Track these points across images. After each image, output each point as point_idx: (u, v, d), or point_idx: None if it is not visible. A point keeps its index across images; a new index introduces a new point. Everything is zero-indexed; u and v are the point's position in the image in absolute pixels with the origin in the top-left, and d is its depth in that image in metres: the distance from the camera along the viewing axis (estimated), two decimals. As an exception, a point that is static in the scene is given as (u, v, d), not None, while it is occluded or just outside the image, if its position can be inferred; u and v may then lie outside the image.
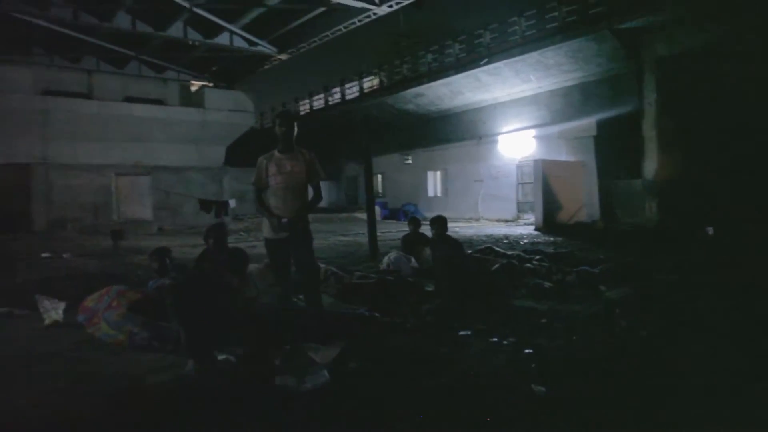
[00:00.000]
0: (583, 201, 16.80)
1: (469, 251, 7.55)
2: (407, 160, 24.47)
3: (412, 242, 7.63)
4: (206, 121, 25.89)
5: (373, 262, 8.55)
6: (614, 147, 16.27)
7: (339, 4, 17.39)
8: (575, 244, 11.16)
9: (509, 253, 7.45)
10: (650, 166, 14.59)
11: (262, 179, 4.24)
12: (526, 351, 3.88)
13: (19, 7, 16.57)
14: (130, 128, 23.06)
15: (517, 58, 16.66)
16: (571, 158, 17.39)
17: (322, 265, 6.39)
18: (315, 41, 21.18)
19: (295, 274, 4.33)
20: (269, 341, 3.71)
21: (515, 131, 19.30)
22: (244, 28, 20.30)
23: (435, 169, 23.55)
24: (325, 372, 3.40)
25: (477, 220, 20.76)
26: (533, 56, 16.29)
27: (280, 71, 26.97)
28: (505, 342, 4.13)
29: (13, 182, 18.61)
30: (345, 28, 19.47)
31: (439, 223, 6.24)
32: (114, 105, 23.22)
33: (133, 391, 3.10)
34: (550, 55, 16.03)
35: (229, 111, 26.54)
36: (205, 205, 19.56)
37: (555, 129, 17.98)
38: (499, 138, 19.88)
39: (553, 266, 6.62)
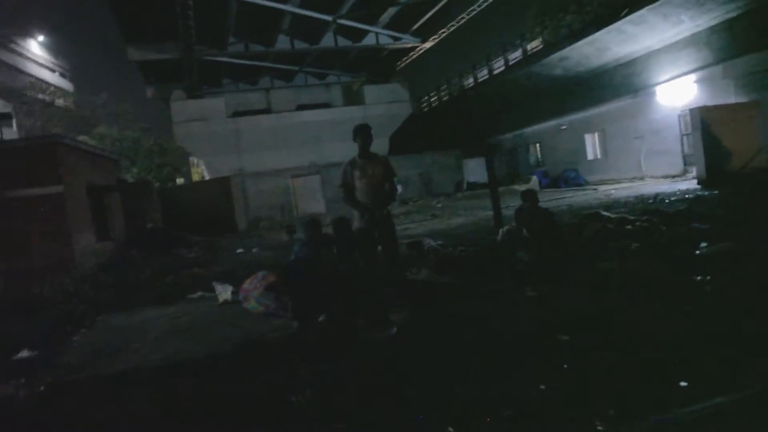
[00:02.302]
0: (761, 145, 14.98)
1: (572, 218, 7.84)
2: (563, 125, 23.81)
3: (525, 216, 8.17)
4: (367, 116, 28.07)
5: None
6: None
7: (466, -14, 17.85)
8: (733, 198, 10.43)
9: (613, 216, 7.57)
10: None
11: (348, 182, 5.29)
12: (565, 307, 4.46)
13: (204, 51, 20.17)
14: (303, 133, 26.29)
15: (661, 2, 15.39)
16: (741, 98, 15.55)
17: (431, 242, 7.39)
18: (453, 25, 21.82)
19: (383, 255, 5.40)
20: (355, 307, 4.87)
21: (675, 78, 17.75)
22: (385, 27, 21.80)
23: (592, 131, 22.61)
24: (394, 327, 4.46)
25: (641, 178, 19.58)
26: (680, -5, 14.92)
27: (429, 57, 28.12)
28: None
29: (219, 192, 22.67)
30: (479, 6, 19.81)
31: (529, 196, 6.78)
32: (287, 115, 26.68)
33: (255, 342, 4.51)
34: (700, -11, 14.56)
35: (388, 103, 28.51)
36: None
37: (719, 69, 16.20)
38: (657, 89, 18.44)
39: (653, 227, 6.68)
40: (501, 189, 22.95)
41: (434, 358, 3.68)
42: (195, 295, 7.32)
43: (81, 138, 26.27)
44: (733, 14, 15.27)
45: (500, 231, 8.16)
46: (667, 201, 11.48)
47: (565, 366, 3.25)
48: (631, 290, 4.75)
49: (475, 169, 28.14)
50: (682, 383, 2.85)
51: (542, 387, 3.00)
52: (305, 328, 4.68)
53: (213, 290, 6.98)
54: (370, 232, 5.32)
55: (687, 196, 12.02)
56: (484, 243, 8.18)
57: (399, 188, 24.83)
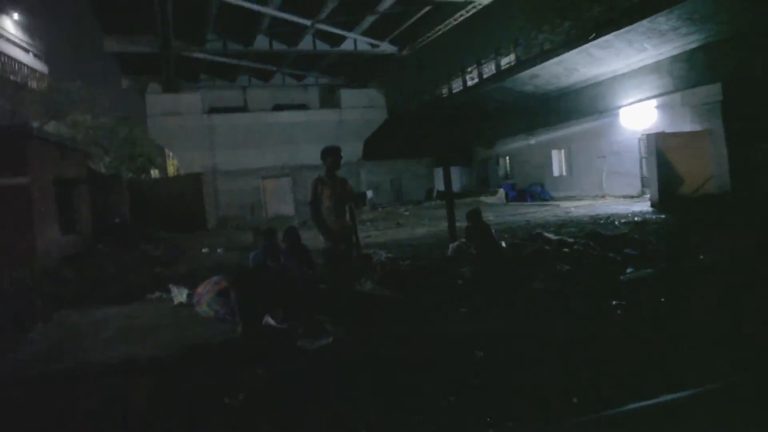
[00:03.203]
0: (711, 172, 15.77)
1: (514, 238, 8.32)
2: (532, 140, 24.51)
3: (471, 233, 8.63)
4: (343, 120, 28.48)
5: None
6: (746, 111, 15.00)
7: (444, 1, 18.33)
8: (677, 223, 11.11)
9: (553, 237, 8.08)
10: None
11: (318, 199, 5.35)
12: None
13: (182, 47, 20.26)
14: (278, 133, 26.48)
15: (626, 29, 16.08)
16: (696, 126, 16.34)
17: (382, 254, 7.78)
18: (430, 35, 22.28)
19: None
20: (294, 315, 5.22)
21: (637, 102, 18.51)
22: (364, 34, 22.15)
23: (559, 148, 23.34)
24: (330, 337, 4.83)
25: (602, 197, 20.33)
26: (643, 24, 15.60)
27: (406, 65, 28.48)
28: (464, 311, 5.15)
29: (190, 189, 22.73)
30: (455, 20, 20.30)
31: (473, 215, 7.23)
32: (263, 114, 26.83)
33: (200, 345, 4.83)
34: (661, 20, 15.26)
35: (363, 108, 28.88)
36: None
37: (678, 97, 16.98)
38: (620, 111, 19.20)
39: (588, 250, 7.18)
40: (468, 200, 23.72)
41: (350, 372, 4.04)
42: (153, 296, 7.56)
43: (53, 123, 26.12)
44: (694, 45, 16.05)
45: (450, 246, 8.63)
46: (616, 223, 12.09)
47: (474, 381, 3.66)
48: (550, 310, 5.21)
49: (446, 178, 28.66)
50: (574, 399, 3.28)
51: (451, 399, 3.41)
52: (248, 333, 5.02)
53: (170, 291, 7.24)
54: (333, 254, 5.46)
55: (636, 219, 12.65)
56: (435, 256, 8.60)
57: (369, 193, 25.24)
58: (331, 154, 5.45)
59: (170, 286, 7.10)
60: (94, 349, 5.12)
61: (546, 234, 8.40)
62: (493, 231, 7.81)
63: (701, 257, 6.89)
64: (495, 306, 5.55)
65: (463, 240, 8.62)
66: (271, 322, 5.21)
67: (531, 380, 3.60)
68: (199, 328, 5.57)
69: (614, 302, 5.34)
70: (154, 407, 3.66)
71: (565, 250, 7.30)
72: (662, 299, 5.28)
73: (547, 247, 7.24)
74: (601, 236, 8.29)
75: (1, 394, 4.10)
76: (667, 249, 7.35)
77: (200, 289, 6.35)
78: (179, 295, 6.85)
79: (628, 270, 6.53)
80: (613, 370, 3.67)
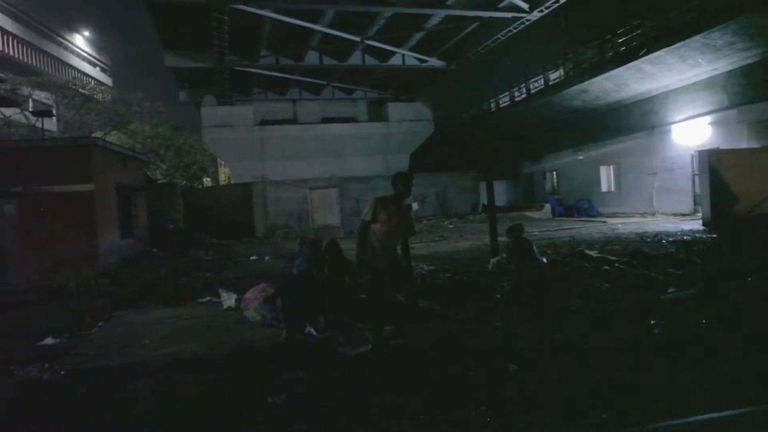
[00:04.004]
0: (769, 191, 15.18)
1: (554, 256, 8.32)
2: (580, 155, 24.16)
3: (512, 248, 8.70)
4: (390, 132, 28.87)
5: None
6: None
7: (491, 17, 18.46)
8: (730, 242, 10.82)
9: (594, 255, 8.04)
10: None
11: (372, 219, 4.92)
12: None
13: (236, 62, 21.14)
14: (326, 145, 27.11)
15: (678, 44, 15.79)
16: (753, 144, 15.81)
17: (423, 267, 7.96)
18: (478, 51, 22.40)
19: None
20: (336, 323, 5.46)
21: (690, 119, 18.07)
22: (412, 49, 22.48)
23: (608, 164, 22.91)
24: (369, 345, 5.04)
25: (652, 214, 19.84)
26: (696, 40, 15.30)
27: (453, 80, 28.72)
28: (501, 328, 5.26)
29: (241, 197, 23.56)
30: (503, 36, 20.37)
31: (513, 231, 7.31)
32: (313, 127, 27.54)
33: (246, 348, 5.13)
34: (716, 36, 14.92)
35: (411, 121, 29.20)
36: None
37: (734, 113, 16.49)
38: (673, 127, 18.76)
39: (628, 269, 7.14)
40: (513, 214, 23.57)
41: (386, 379, 4.22)
42: (204, 299, 8.00)
43: (114, 133, 27.66)
44: (751, 60, 15.59)
45: (491, 261, 8.73)
46: (664, 241, 11.84)
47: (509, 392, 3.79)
48: (586, 329, 5.25)
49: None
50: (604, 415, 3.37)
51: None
52: (292, 339, 5.29)
53: (219, 296, 7.64)
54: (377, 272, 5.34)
55: (685, 237, 12.35)
56: (476, 270, 8.71)
57: (415, 206, 25.40)
58: (402, 181, 4.98)
59: (220, 290, 7.50)
60: (150, 346, 5.51)
61: (587, 251, 8.37)
62: (534, 247, 7.86)
63: (748, 279, 6.74)
64: (529, 321, 5.63)
65: (504, 255, 8.70)
66: (313, 331, 5.48)
67: (561, 394, 3.70)
68: (246, 331, 5.89)
69: (652, 322, 5.34)
70: (203, 402, 3.96)
71: (606, 268, 7.28)
72: (702, 321, 5.24)
73: (587, 265, 7.24)
74: (645, 255, 8.20)
75: (67, 385, 4.51)
76: (712, 270, 7.21)
77: (248, 295, 6.70)
78: (228, 299, 7.22)
79: (670, 290, 6.47)
80: (637, 389, 3.72)
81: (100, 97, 29.85)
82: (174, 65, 22.85)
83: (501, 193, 29.79)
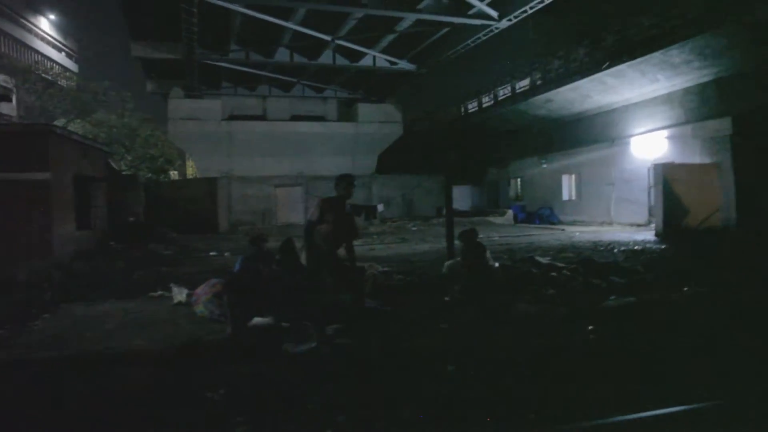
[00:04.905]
0: (718, 205, 15.83)
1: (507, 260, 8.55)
2: (543, 163, 24.70)
3: (465, 252, 8.89)
4: (359, 133, 28.94)
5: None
6: (755, 146, 15.09)
7: (462, 24, 18.73)
8: (677, 253, 11.26)
9: (543, 261, 8.30)
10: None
11: (319, 221, 5.09)
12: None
13: (206, 55, 20.91)
14: (295, 143, 27.01)
15: (639, 60, 16.31)
16: (706, 159, 16.45)
17: (377, 268, 8.06)
18: (449, 56, 22.65)
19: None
20: (283, 319, 5.52)
21: (648, 132, 18.68)
22: (383, 51, 22.59)
23: (570, 173, 23.48)
24: (313, 342, 5.11)
25: (610, 224, 20.43)
26: (656, 56, 15.84)
27: (423, 83, 28.96)
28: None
29: (206, 192, 23.30)
30: (472, 42, 20.66)
31: (465, 235, 7.49)
32: (282, 124, 27.41)
33: (191, 343, 5.14)
34: (674, 53, 15.48)
35: (380, 123, 29.33)
36: (356, 209, 21.98)
37: (689, 129, 17.12)
38: (632, 140, 19.36)
39: (575, 276, 7.39)
40: (476, 219, 23.93)
41: (326, 377, 4.31)
42: (156, 293, 7.94)
43: (78, 121, 26.95)
44: (706, 79, 16.22)
45: (445, 264, 8.87)
46: (615, 250, 12.24)
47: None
48: (528, 331, 5.44)
49: (457, 196, 28.84)
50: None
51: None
52: (236, 334, 5.33)
53: (171, 290, 7.59)
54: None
55: (636, 247, 12.78)
56: (429, 273, 8.86)
57: (380, 207, 25.56)
58: (345, 183, 5.22)
59: (171, 285, 7.46)
60: (93, 339, 5.47)
61: (537, 258, 8.61)
62: (487, 252, 8.05)
63: (685, 289, 7.06)
64: (474, 324, 5.79)
65: (458, 259, 8.88)
66: (259, 324, 5.53)
67: (494, 393, 3.85)
68: (193, 326, 5.90)
69: (590, 327, 5.56)
70: (141, 396, 3.97)
71: (553, 274, 7.51)
72: (635, 327, 5.48)
73: (535, 270, 7.46)
74: (593, 263, 8.48)
75: (3, 376, 4.46)
76: (653, 279, 7.53)
77: (199, 290, 6.70)
78: (179, 294, 7.19)
79: (611, 297, 6.74)
80: (569, 388, 3.90)
81: (64, 83, 29.06)
82: (142, 55, 22.45)
83: (466, 198, 30.22)
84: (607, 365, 4.40)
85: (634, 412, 3.36)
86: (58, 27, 55.77)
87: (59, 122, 24.95)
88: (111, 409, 3.73)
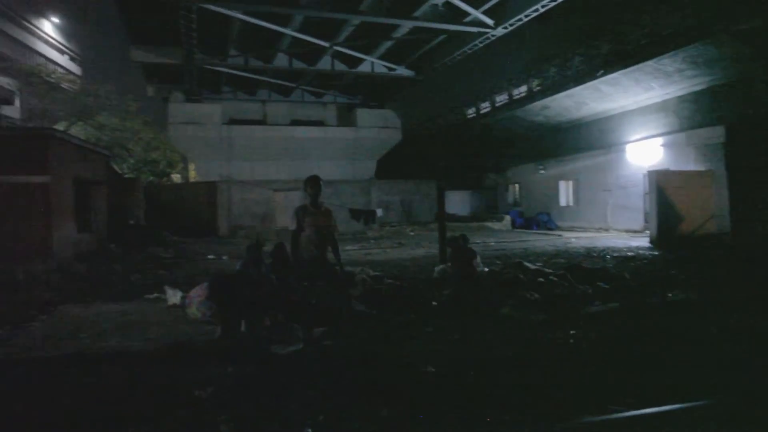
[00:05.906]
0: (712, 212, 15.98)
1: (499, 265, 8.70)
2: (541, 170, 24.85)
3: (453, 257, 9.05)
4: (358, 138, 29.11)
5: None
6: (748, 154, 15.25)
7: (458, 31, 18.91)
8: (669, 260, 11.40)
9: (531, 267, 8.45)
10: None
11: (300, 227, 5.44)
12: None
13: (205, 60, 21.12)
14: (294, 148, 27.18)
15: (633, 68, 16.49)
16: (700, 166, 16.60)
17: (368, 272, 8.22)
18: (445, 62, 22.81)
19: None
20: (269, 322, 5.68)
21: (644, 139, 18.85)
22: (381, 57, 22.75)
23: (567, 179, 23.62)
24: (300, 344, 5.27)
25: (606, 230, 20.56)
26: (649, 65, 16.01)
27: (422, 89, 29.09)
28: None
29: (205, 196, 23.48)
30: (470, 50, 20.81)
31: (454, 241, 7.66)
32: (281, 128, 27.58)
33: (183, 344, 5.31)
34: (667, 62, 15.65)
35: (379, 128, 29.51)
36: (355, 214, 22.10)
37: (683, 136, 17.29)
38: (628, 147, 19.52)
39: (562, 282, 7.54)
40: (474, 225, 24.08)
41: (310, 378, 4.46)
42: (151, 296, 8.11)
43: (80, 124, 27.18)
44: (699, 87, 16.38)
45: (436, 269, 9.06)
46: (608, 257, 12.38)
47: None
48: (512, 336, 5.60)
49: (456, 202, 29.04)
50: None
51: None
52: (226, 335, 5.49)
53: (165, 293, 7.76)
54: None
55: (629, 253, 12.93)
56: (420, 277, 9.02)
57: (379, 212, 25.63)
58: (311, 184, 5.50)
59: (166, 287, 7.62)
60: (88, 340, 5.63)
61: (526, 263, 8.77)
62: (477, 257, 8.21)
63: (669, 295, 7.21)
64: (459, 328, 5.94)
65: (449, 264, 9.05)
66: (248, 326, 5.69)
67: (473, 396, 4.00)
68: (186, 327, 6.06)
69: (572, 332, 5.72)
70: (133, 394, 4.13)
71: (540, 280, 7.66)
72: (614, 332, 5.63)
73: (521, 276, 7.61)
74: (581, 269, 8.64)
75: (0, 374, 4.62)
76: (637, 285, 7.67)
77: (192, 293, 6.85)
78: (173, 296, 7.36)
79: (595, 303, 6.89)
80: (547, 393, 4.06)
81: (67, 86, 29.29)
82: (141, 60, 22.63)
83: (465, 204, 30.36)
84: (577, 369, 4.55)
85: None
86: (62, 30, 56.11)
87: (62, 125, 25.22)
88: (103, 406, 3.88)
